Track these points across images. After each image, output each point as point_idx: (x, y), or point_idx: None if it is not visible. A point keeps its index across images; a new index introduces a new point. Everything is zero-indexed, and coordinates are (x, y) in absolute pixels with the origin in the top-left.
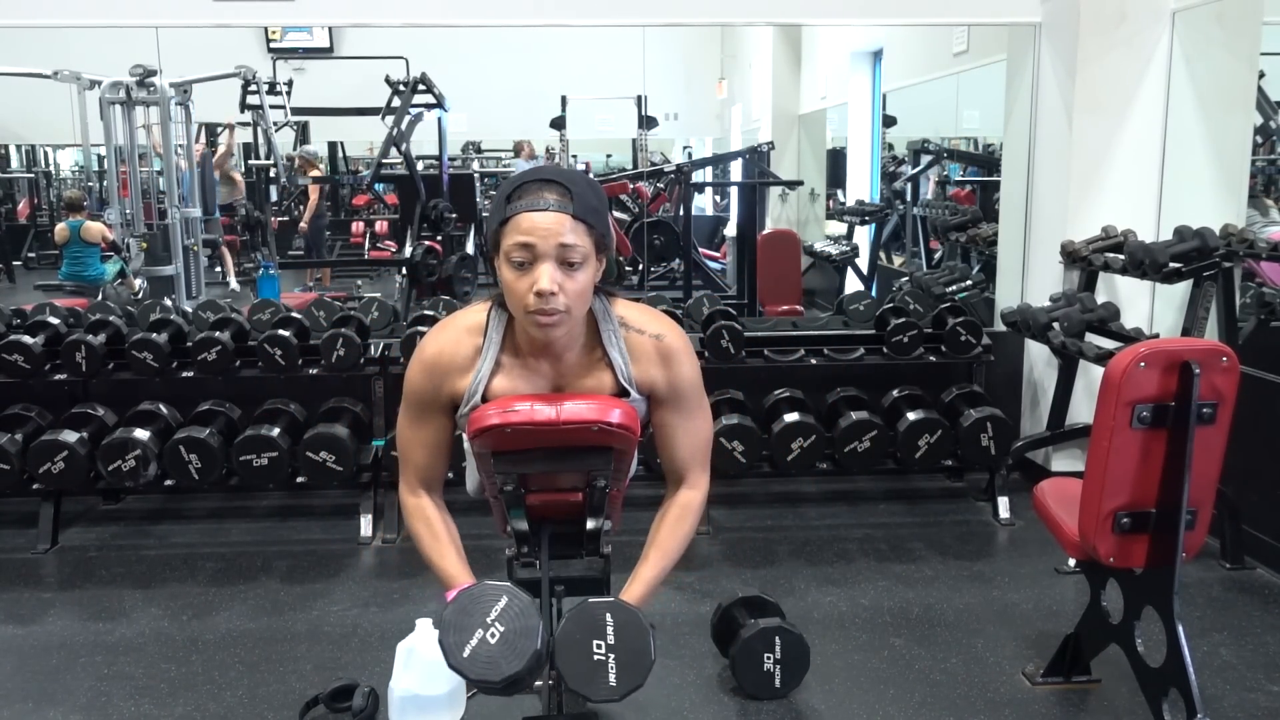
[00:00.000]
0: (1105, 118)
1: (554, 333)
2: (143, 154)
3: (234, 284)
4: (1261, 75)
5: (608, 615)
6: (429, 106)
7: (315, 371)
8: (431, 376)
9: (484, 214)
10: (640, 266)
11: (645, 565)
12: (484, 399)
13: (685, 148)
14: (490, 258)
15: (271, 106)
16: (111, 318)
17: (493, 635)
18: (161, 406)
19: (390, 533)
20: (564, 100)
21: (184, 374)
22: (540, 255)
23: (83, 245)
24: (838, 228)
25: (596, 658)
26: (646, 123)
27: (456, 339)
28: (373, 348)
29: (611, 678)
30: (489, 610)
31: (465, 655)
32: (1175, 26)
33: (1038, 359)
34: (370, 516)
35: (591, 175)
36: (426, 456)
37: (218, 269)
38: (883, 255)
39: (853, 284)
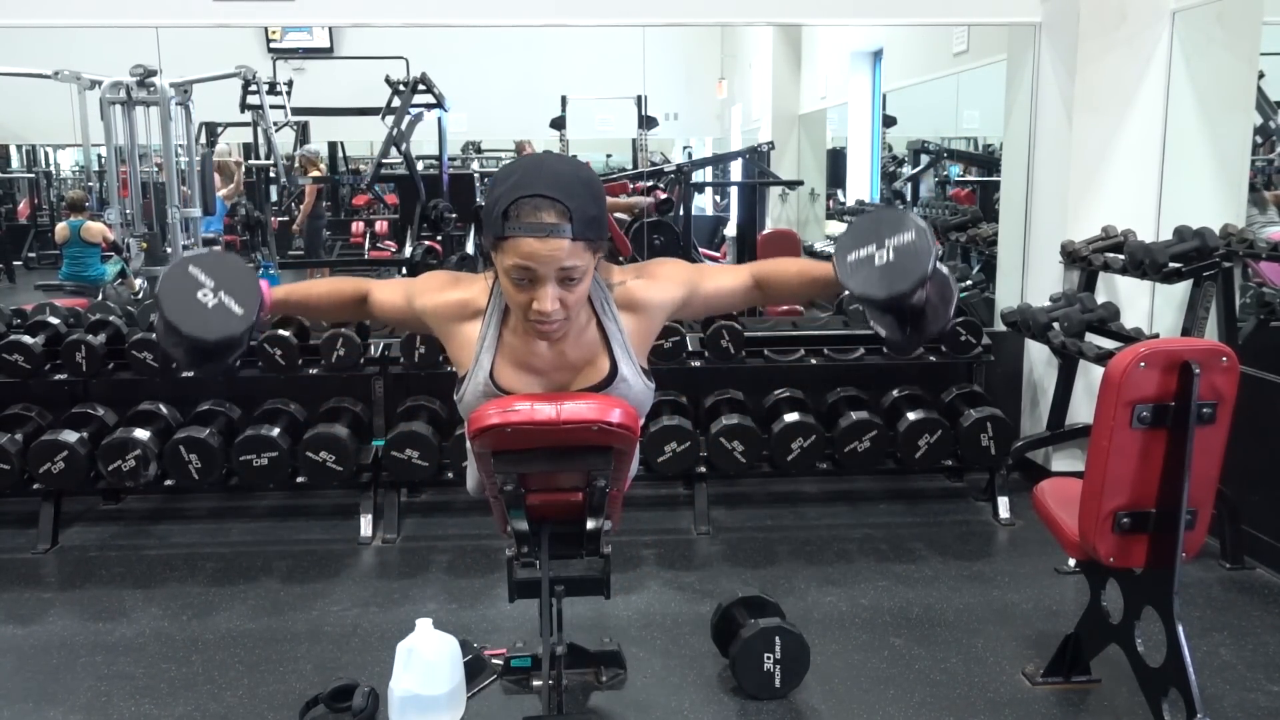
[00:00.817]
0: (1105, 117)
1: (553, 338)
2: (143, 154)
3: None
4: (1261, 75)
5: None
6: (429, 106)
7: (315, 371)
8: (442, 305)
9: (479, 204)
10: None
11: (820, 266)
12: (492, 375)
13: (685, 148)
14: (488, 252)
15: (271, 106)
16: (111, 318)
17: (205, 295)
18: (161, 406)
19: (390, 533)
20: (564, 100)
21: (184, 374)
22: (540, 278)
23: (83, 245)
24: (838, 228)
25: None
26: (646, 123)
27: (476, 291)
28: (373, 348)
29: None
30: (227, 280)
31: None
32: (1175, 26)
33: (1038, 359)
34: (370, 516)
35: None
36: (383, 298)
37: None
38: None
39: None
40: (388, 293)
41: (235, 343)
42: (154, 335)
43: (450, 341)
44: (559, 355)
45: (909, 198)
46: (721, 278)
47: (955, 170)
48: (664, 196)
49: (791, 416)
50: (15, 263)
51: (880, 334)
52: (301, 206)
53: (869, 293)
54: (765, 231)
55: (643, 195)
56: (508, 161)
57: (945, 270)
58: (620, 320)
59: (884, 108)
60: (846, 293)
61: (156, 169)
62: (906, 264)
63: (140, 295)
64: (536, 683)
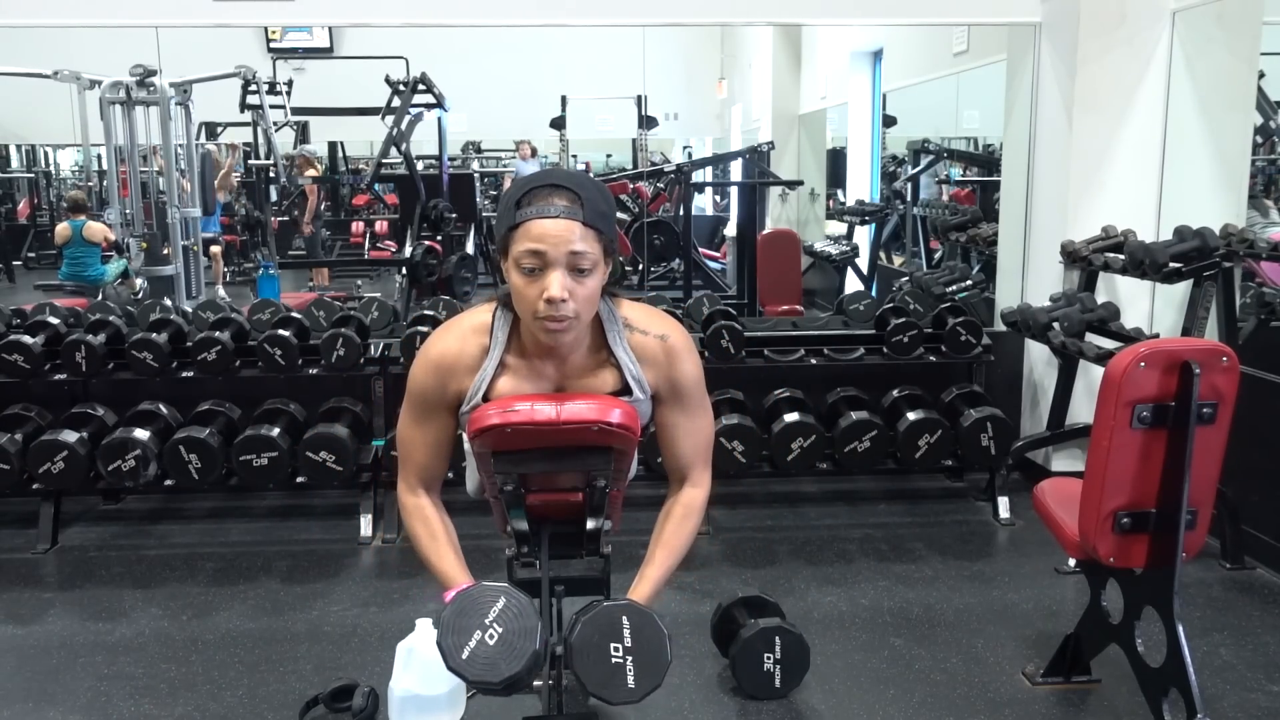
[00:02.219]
0: (1105, 118)
1: (563, 338)
2: (143, 154)
3: (221, 292)
4: (1261, 75)
5: (624, 618)
6: (429, 106)
7: (315, 371)
8: (437, 376)
9: (484, 214)
10: (640, 266)
11: (651, 565)
12: (486, 399)
13: (685, 148)
14: (498, 261)
15: (271, 106)
16: (111, 318)
17: (491, 636)
18: (161, 406)
19: (390, 533)
20: (564, 100)
21: (184, 374)
22: (551, 262)
23: (84, 245)
24: (838, 228)
25: (614, 660)
26: (646, 123)
27: (462, 339)
28: (373, 348)
29: (630, 679)
30: (487, 611)
31: (464, 657)
32: (1175, 26)
33: (1038, 359)
34: (370, 516)
35: (592, 175)
36: (427, 456)
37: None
38: (883, 255)
39: (853, 284)
40: (419, 452)
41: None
42: (467, 672)
43: (464, 387)
44: (563, 376)
45: (909, 198)
46: (690, 436)
47: (955, 172)
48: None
49: (791, 416)
50: (15, 263)
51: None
52: (307, 207)
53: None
54: (765, 231)
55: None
56: (513, 170)
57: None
58: (633, 356)
59: (884, 108)
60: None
61: (157, 171)
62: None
63: (140, 295)
64: (536, 683)
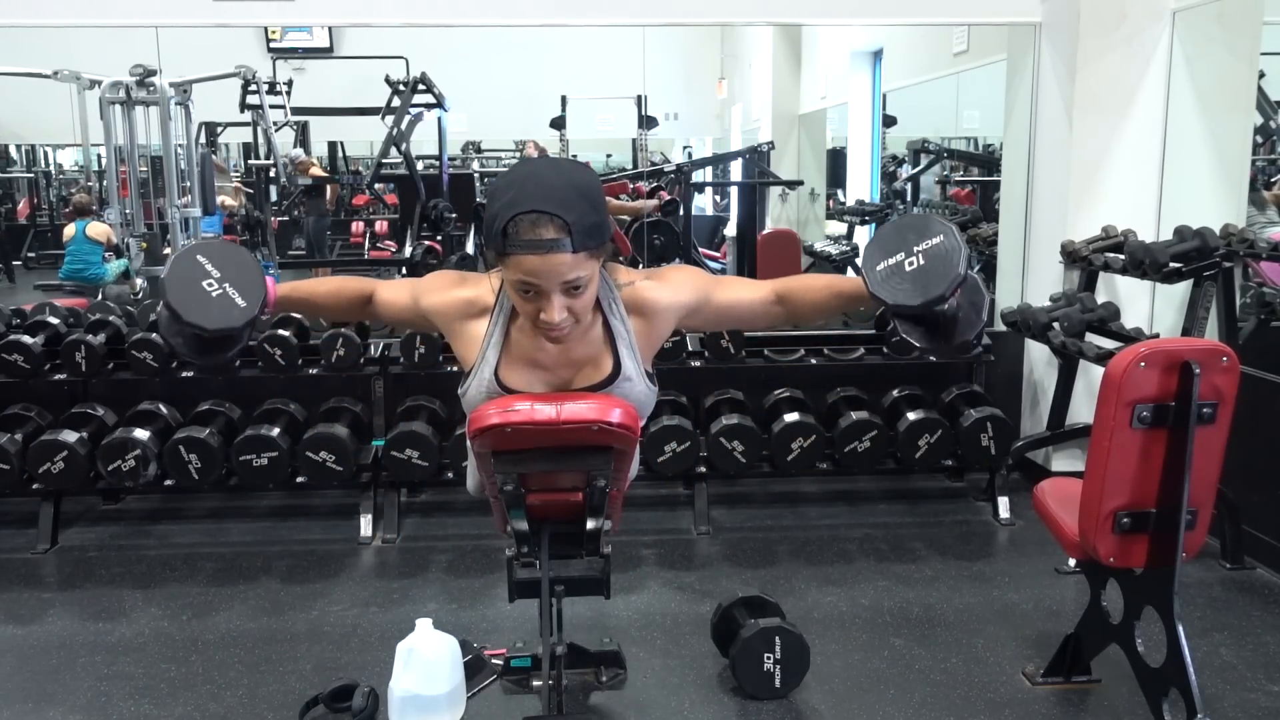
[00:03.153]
0: (1105, 118)
1: (562, 342)
2: (143, 154)
3: None
4: (1261, 75)
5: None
6: (429, 106)
7: (315, 371)
8: (449, 303)
9: (480, 202)
10: (640, 266)
11: (849, 282)
12: (496, 374)
13: (685, 148)
14: (490, 260)
15: (271, 106)
16: (111, 318)
17: (215, 288)
18: (161, 406)
19: (390, 533)
20: (564, 100)
21: (184, 374)
22: (544, 292)
23: (87, 243)
24: (838, 228)
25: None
26: (646, 123)
27: (483, 289)
28: (373, 348)
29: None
30: (233, 273)
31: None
32: (1175, 26)
33: (1038, 359)
34: (370, 516)
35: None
36: (388, 298)
37: None
38: None
39: None
40: (393, 292)
41: (235, 336)
42: (156, 329)
43: (457, 339)
44: (564, 352)
45: (909, 198)
46: (739, 289)
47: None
48: (668, 197)
49: (791, 416)
50: (15, 263)
51: (914, 344)
52: (328, 197)
53: (902, 301)
54: (765, 231)
55: (646, 198)
56: (504, 170)
57: (976, 275)
58: (627, 321)
59: (884, 108)
60: (880, 309)
61: (154, 163)
62: (937, 268)
63: (140, 295)
64: (536, 683)
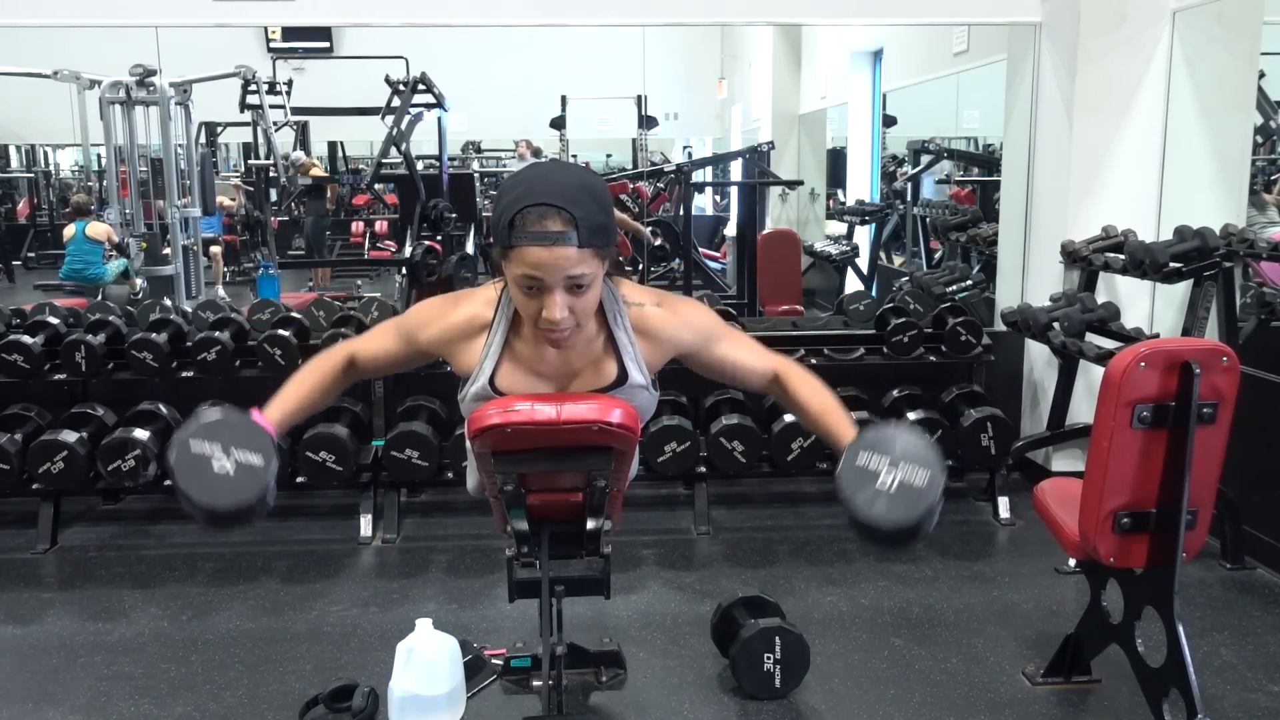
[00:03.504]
0: (1105, 118)
1: (564, 345)
2: (143, 154)
3: (221, 292)
4: (1261, 75)
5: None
6: (429, 106)
7: None
8: (443, 320)
9: (485, 214)
10: (640, 266)
11: (832, 414)
12: (492, 380)
13: (685, 147)
14: (496, 261)
15: (271, 106)
16: (111, 318)
17: (224, 466)
18: (161, 406)
19: (390, 533)
20: (564, 100)
21: (184, 374)
22: (548, 287)
23: (87, 242)
24: (838, 228)
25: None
26: (646, 122)
27: (475, 307)
28: None
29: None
30: (225, 438)
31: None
32: (1175, 26)
33: (1038, 359)
34: (370, 516)
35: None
36: (375, 355)
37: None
38: (883, 255)
39: (853, 284)
40: (375, 345)
41: (257, 505)
42: (171, 459)
43: (458, 359)
44: (565, 362)
45: (909, 198)
46: (742, 351)
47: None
48: (658, 242)
49: (792, 416)
50: (15, 263)
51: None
52: (328, 196)
53: (871, 519)
54: (765, 231)
55: (641, 225)
56: (512, 171)
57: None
58: (633, 336)
59: (884, 108)
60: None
61: (154, 164)
62: (914, 498)
63: (140, 295)
64: (536, 683)
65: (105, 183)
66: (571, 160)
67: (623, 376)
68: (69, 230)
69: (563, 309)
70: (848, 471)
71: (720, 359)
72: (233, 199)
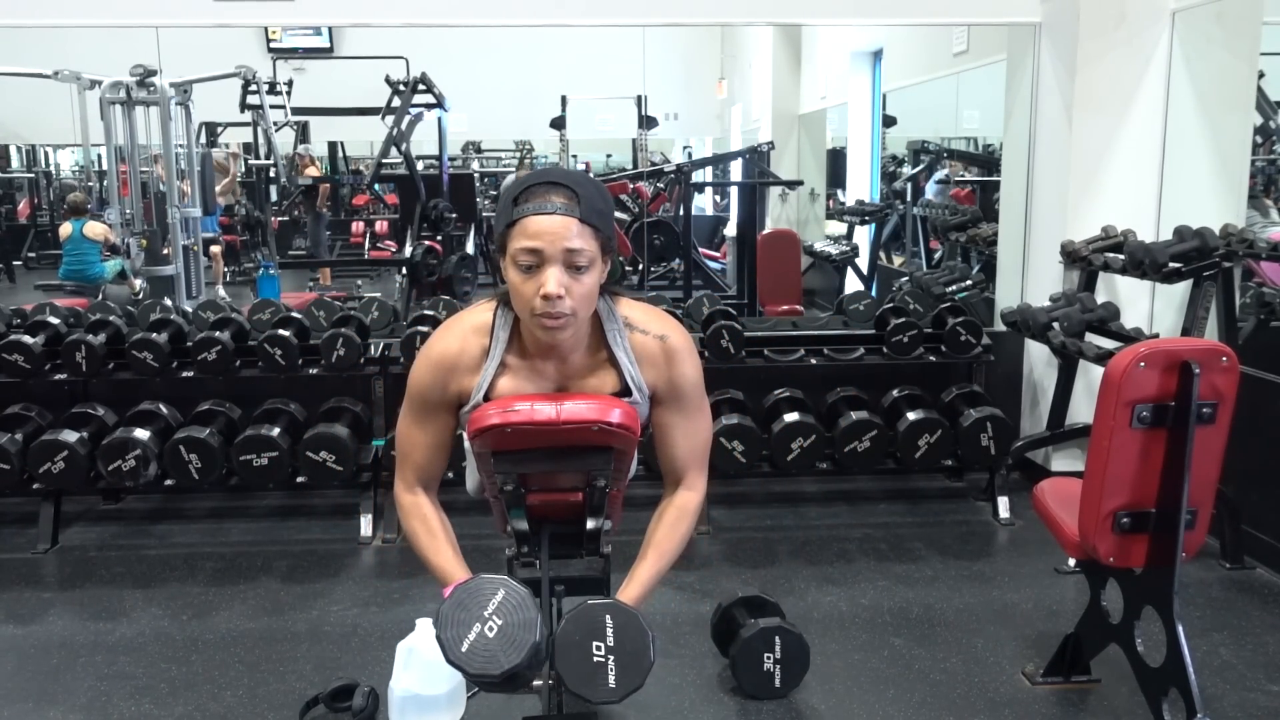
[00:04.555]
0: (1105, 118)
1: (560, 335)
2: (143, 154)
3: (221, 292)
4: (1261, 75)
5: (607, 617)
6: (429, 106)
7: (315, 371)
8: (437, 376)
9: (484, 214)
10: (640, 266)
11: (642, 565)
12: (488, 399)
13: (685, 148)
14: (496, 259)
15: (271, 106)
16: (111, 318)
17: (490, 629)
18: (161, 406)
19: (390, 532)
20: (564, 100)
21: (184, 374)
22: (547, 259)
23: (84, 241)
24: (838, 228)
25: (596, 659)
26: (646, 123)
27: (463, 339)
28: (373, 348)
29: (611, 679)
30: (486, 604)
31: (464, 650)
32: (1175, 26)
33: (1038, 359)
34: (370, 516)
35: (591, 175)
36: (426, 456)
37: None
38: (883, 255)
39: (853, 284)
40: (416, 449)
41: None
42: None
43: (462, 386)
44: (563, 375)
45: (909, 197)
46: (688, 439)
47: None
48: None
49: (791, 416)
50: (15, 263)
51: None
52: (319, 197)
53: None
54: (765, 231)
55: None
56: (508, 163)
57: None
58: (633, 357)
59: (884, 108)
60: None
61: (154, 161)
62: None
63: (140, 295)
64: (537, 683)
65: (105, 183)
66: (571, 160)
67: (624, 391)
68: (65, 229)
69: (559, 285)
70: (566, 631)
71: (666, 424)
72: (228, 177)
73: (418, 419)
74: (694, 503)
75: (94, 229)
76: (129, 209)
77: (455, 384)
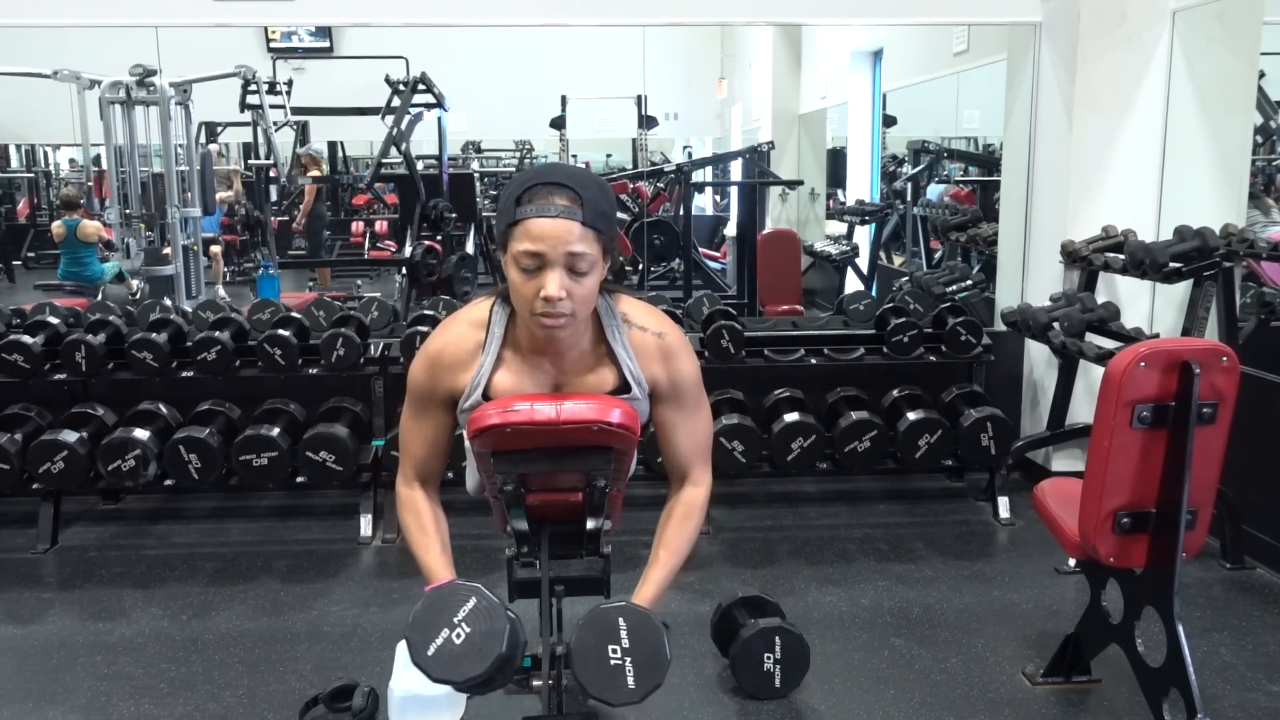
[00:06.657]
0: (1105, 118)
1: (559, 334)
2: (144, 155)
3: (221, 292)
4: (1261, 75)
5: (620, 619)
6: (429, 106)
7: (315, 371)
8: (434, 371)
9: (485, 214)
10: (640, 266)
11: (655, 566)
12: (485, 395)
13: (685, 147)
14: (497, 257)
15: (271, 106)
16: (111, 318)
17: (458, 636)
18: (161, 406)
19: (390, 532)
20: (564, 100)
21: (184, 374)
22: (548, 262)
23: (79, 244)
24: (838, 227)
25: (613, 662)
26: (646, 122)
27: (460, 334)
28: (373, 348)
29: (630, 680)
30: (457, 610)
31: (429, 654)
32: (1175, 26)
33: (1038, 359)
34: (370, 516)
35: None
36: (425, 451)
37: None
38: (883, 255)
39: (853, 284)
40: (415, 443)
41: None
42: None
43: (458, 382)
44: (561, 372)
45: (909, 197)
46: (690, 435)
47: (954, 171)
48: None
49: (791, 416)
50: (15, 263)
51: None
52: (301, 206)
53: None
54: (765, 231)
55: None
56: (508, 163)
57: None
58: (630, 352)
59: (884, 108)
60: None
61: (154, 159)
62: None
63: (139, 295)
64: (536, 683)
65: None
66: (571, 160)
67: (624, 387)
68: (58, 229)
69: (560, 287)
70: (581, 637)
71: (667, 422)
72: (229, 190)
73: (416, 414)
74: (701, 498)
75: (86, 230)
76: (129, 208)
77: (450, 379)
